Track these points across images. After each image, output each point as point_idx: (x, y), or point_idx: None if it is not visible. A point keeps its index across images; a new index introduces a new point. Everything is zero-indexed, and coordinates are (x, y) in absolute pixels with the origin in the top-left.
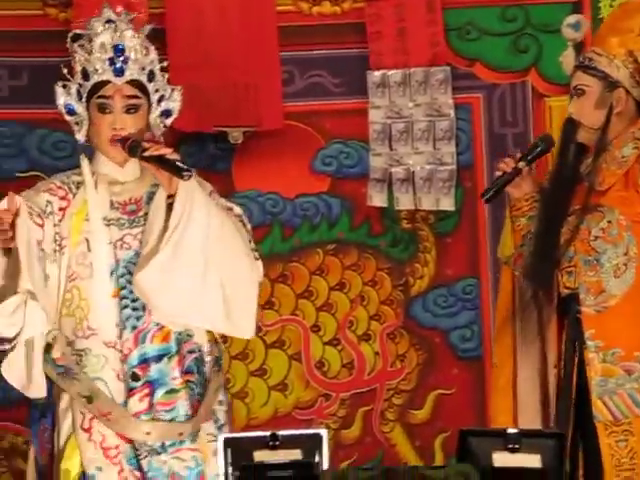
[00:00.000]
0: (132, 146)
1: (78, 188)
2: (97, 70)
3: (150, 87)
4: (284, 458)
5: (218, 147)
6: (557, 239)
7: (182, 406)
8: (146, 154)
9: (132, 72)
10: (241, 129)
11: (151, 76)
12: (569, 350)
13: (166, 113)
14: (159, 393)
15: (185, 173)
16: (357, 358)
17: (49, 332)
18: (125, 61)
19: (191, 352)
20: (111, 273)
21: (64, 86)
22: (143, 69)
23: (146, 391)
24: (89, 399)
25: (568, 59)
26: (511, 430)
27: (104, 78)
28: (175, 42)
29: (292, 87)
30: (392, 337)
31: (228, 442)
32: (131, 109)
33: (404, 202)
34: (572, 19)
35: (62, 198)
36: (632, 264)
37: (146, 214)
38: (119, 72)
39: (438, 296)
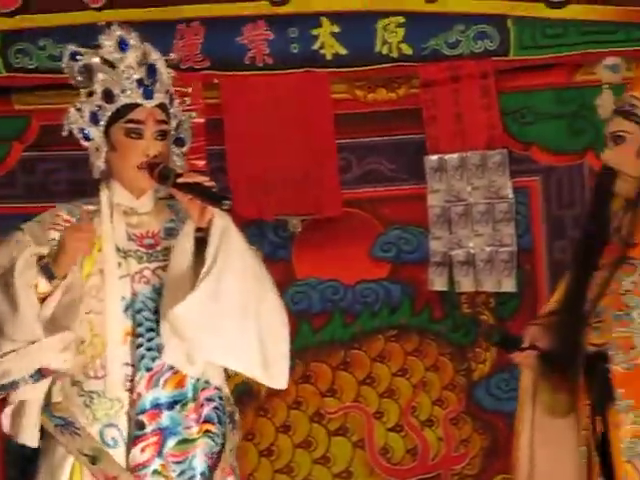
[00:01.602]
0: (164, 172)
1: (91, 219)
2: (125, 91)
3: (171, 112)
4: None
5: (278, 235)
6: (584, 302)
7: (198, 457)
8: (180, 181)
9: (160, 95)
10: (300, 217)
11: (172, 100)
12: (597, 412)
13: (180, 142)
14: (170, 443)
15: (225, 202)
16: (421, 444)
17: None
18: (154, 83)
19: (210, 400)
20: (126, 308)
21: (78, 108)
22: (167, 92)
23: (154, 439)
24: (93, 460)
25: (605, 103)
26: None
27: (134, 101)
28: (232, 132)
29: (349, 174)
30: (455, 422)
31: None
32: (161, 135)
33: (465, 285)
34: (610, 61)
35: None
36: None
37: (165, 249)
38: (149, 94)
39: (501, 380)
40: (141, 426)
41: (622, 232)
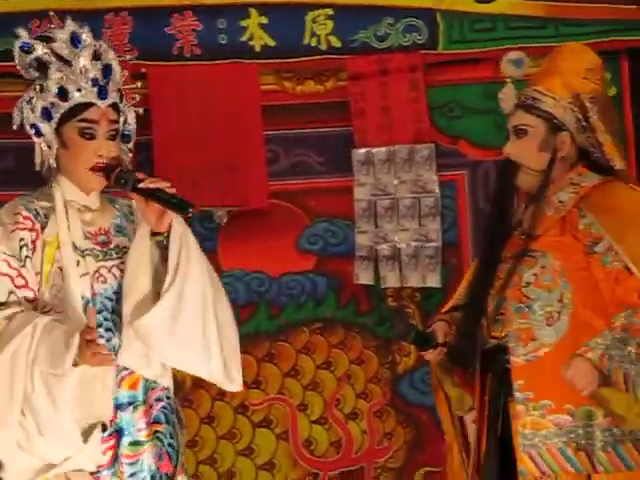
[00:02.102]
0: (122, 176)
1: (47, 217)
2: (80, 90)
3: (121, 109)
4: None
5: (203, 227)
6: (486, 300)
7: (147, 459)
8: (141, 186)
9: (112, 94)
10: (226, 209)
11: (122, 98)
12: (495, 404)
13: (126, 138)
14: (124, 442)
15: (190, 209)
16: (344, 436)
17: None
18: (108, 82)
19: (158, 400)
20: (86, 307)
21: (29, 101)
22: (118, 90)
23: (112, 442)
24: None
25: (507, 97)
26: None
27: (89, 100)
28: (159, 122)
29: (277, 166)
30: (379, 415)
31: None
32: (112, 135)
33: (390, 280)
34: (514, 55)
35: (30, 229)
36: (566, 311)
37: (117, 247)
38: (104, 94)
39: (425, 373)
40: (104, 427)
41: (524, 225)
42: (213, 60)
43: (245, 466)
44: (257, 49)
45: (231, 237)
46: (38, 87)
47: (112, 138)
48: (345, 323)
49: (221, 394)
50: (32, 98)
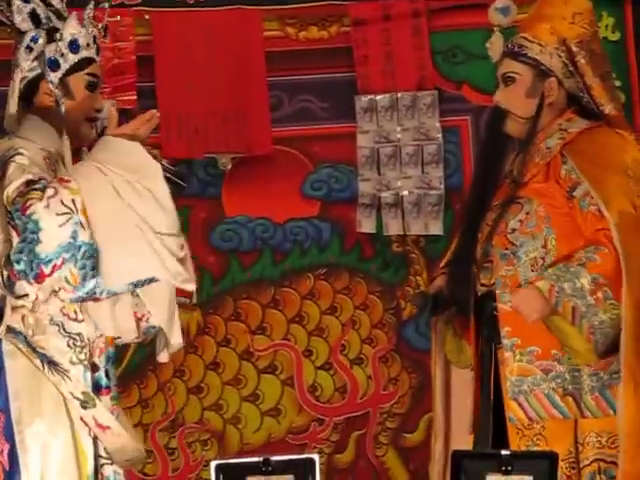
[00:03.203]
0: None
1: (57, 163)
2: (88, 45)
3: None
4: None
5: (207, 173)
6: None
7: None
8: None
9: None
10: (230, 155)
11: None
12: (486, 350)
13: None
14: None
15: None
16: (350, 382)
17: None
18: (99, 40)
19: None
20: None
21: (29, 49)
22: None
23: (111, 393)
24: (84, 404)
25: (495, 45)
26: (504, 452)
27: (92, 56)
28: (163, 69)
29: (280, 112)
30: (384, 360)
31: (220, 468)
32: (100, 90)
33: (393, 227)
34: (500, 3)
35: (51, 169)
36: (550, 257)
37: None
38: (97, 52)
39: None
40: (109, 375)
41: (513, 173)
42: (216, 6)
43: (250, 412)
44: None
45: (235, 183)
46: (41, 38)
47: (100, 93)
48: (350, 268)
49: (226, 340)
50: (37, 48)
